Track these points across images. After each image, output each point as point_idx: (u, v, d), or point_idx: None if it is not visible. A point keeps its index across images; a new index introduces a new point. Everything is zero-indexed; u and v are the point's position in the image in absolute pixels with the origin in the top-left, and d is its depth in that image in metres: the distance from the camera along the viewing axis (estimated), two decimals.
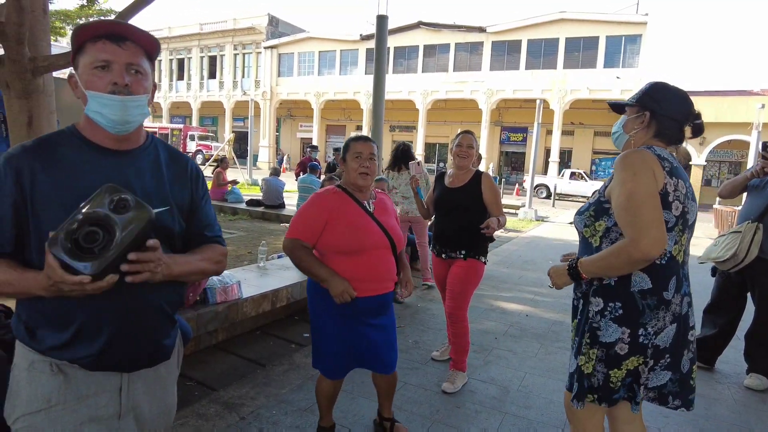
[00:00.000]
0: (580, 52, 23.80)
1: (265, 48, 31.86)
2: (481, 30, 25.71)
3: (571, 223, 1.93)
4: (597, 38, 23.33)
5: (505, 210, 3.23)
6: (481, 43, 26.00)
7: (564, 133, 24.78)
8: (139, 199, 1.07)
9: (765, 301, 3.35)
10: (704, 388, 3.28)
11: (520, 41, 24.98)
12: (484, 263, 3.16)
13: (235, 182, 11.06)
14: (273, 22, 32.36)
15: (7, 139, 4.36)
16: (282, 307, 3.96)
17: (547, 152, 25.64)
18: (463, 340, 3.20)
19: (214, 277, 3.27)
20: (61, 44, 12.79)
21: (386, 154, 6.64)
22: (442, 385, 3.11)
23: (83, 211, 1.02)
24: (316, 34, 30.74)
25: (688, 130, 1.76)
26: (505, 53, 25.56)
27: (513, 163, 29.24)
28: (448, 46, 26.89)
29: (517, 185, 23.52)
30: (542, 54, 24.58)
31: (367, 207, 2.18)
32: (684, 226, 1.63)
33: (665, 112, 1.69)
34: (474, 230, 2.95)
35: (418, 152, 25.72)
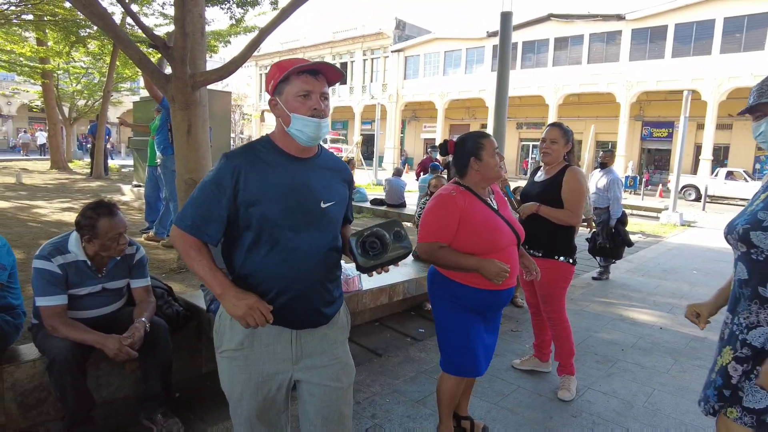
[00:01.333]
0: (743, 33, 20.74)
1: (392, 51, 32.82)
2: (620, 18, 23.68)
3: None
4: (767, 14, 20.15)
5: (644, 213, 3.01)
6: (619, 32, 23.96)
7: (719, 127, 21.83)
8: (407, 235, 1.61)
9: None
10: None
11: (666, 27, 22.53)
12: (569, 263, 2.95)
13: None
14: (400, 25, 33.20)
15: (172, 145, 5.10)
16: (399, 302, 4.12)
17: (698, 149, 22.81)
18: (566, 342, 3.05)
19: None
20: (213, 60, 14.45)
21: (511, 153, 6.50)
22: (558, 393, 3.01)
23: (375, 228, 1.58)
24: (441, 35, 30.89)
25: None
26: (648, 41, 23.25)
27: (656, 162, 26.48)
28: (581, 37, 25.23)
29: (660, 186, 21.31)
30: (693, 39, 21.90)
31: (492, 203, 2.17)
32: None
33: None
34: (553, 227, 2.86)
35: None
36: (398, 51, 32.59)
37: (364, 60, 35.29)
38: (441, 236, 2.09)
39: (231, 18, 8.84)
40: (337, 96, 37.19)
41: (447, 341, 2.22)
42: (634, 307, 5.00)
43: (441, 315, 2.23)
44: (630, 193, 19.94)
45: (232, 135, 26.37)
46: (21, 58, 14.86)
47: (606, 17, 24.49)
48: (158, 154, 5.53)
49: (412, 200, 11.21)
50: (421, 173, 12.04)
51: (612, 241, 5.60)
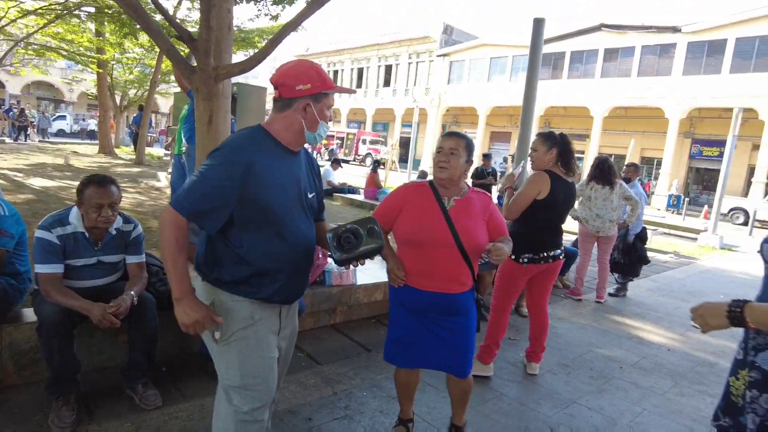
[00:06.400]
0: None
1: (437, 56, 32.77)
2: (675, 30, 22.73)
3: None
4: None
5: (682, 233, 2.88)
6: (673, 45, 23.06)
7: None
8: (380, 231, 1.74)
9: None
10: None
11: (725, 41, 21.50)
12: (513, 261, 3.19)
13: (344, 184, 11.65)
14: (447, 30, 33.10)
15: (194, 134, 5.29)
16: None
17: (751, 170, 21.66)
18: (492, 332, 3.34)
19: (333, 263, 3.56)
20: (237, 54, 14.65)
21: None
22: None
23: (350, 224, 1.71)
24: (487, 41, 30.59)
25: None
26: (704, 55, 22.25)
27: (705, 182, 25.28)
28: (632, 49, 24.42)
29: (706, 207, 20.34)
30: (755, 54, 20.82)
31: (445, 204, 2.16)
32: None
33: None
34: (511, 228, 3.07)
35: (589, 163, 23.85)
36: (444, 55, 32.50)
37: (409, 63, 35.38)
38: (380, 218, 2.13)
39: (266, 15, 9.08)
40: (380, 98, 37.43)
41: (388, 329, 2.34)
42: (645, 326, 4.83)
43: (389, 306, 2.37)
44: (672, 212, 19.15)
45: None
46: (81, 48, 15.73)
47: (661, 29, 23.54)
48: (183, 142, 5.75)
49: None
50: None
51: (628, 257, 5.42)
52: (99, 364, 2.79)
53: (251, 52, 13.18)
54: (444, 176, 2.14)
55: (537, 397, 3.09)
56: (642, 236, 5.60)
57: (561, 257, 3.28)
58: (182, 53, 6.36)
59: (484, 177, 9.44)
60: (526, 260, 3.17)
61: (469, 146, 2.17)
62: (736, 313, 1.35)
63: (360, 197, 10.75)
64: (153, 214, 6.73)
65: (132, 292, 2.51)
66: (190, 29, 8.03)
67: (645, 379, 3.53)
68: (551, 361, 3.64)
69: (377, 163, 11.44)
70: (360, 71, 39.70)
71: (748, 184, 21.64)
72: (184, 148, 5.81)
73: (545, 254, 3.19)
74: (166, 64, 16.11)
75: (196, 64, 4.55)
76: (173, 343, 3.03)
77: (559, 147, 3.15)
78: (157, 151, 20.17)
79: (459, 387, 2.33)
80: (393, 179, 16.89)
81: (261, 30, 12.70)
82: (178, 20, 12.97)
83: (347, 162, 30.15)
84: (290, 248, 1.67)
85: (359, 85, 39.65)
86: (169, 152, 15.29)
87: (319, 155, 33.93)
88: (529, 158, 3.15)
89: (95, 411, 2.45)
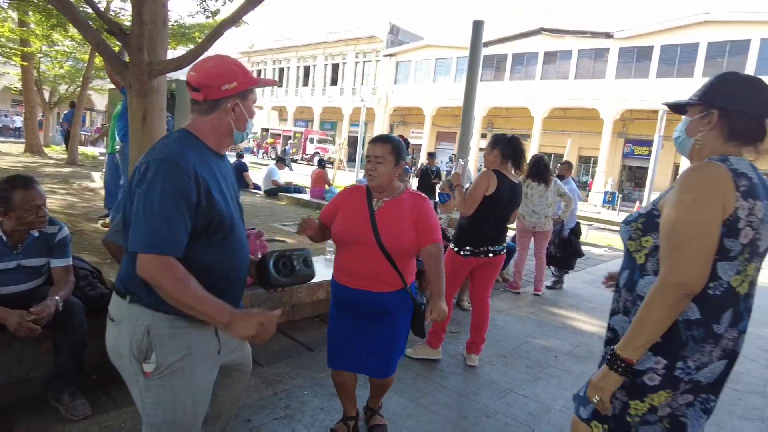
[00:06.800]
0: (725, 58, 21.20)
1: (384, 56, 32.94)
2: (608, 35, 23.99)
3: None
4: (748, 41, 20.62)
5: (617, 228, 3.06)
6: (607, 50, 24.34)
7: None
8: (312, 263, 1.81)
9: None
10: None
11: (652, 47, 22.95)
12: (452, 250, 3.44)
13: (289, 183, 11.59)
14: (393, 30, 33.37)
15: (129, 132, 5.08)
16: None
17: (676, 168, 23.22)
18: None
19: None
20: (177, 50, 14.23)
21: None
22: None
23: (288, 252, 1.76)
24: (433, 42, 31.10)
25: None
26: (634, 60, 23.65)
27: (637, 179, 26.87)
28: (570, 52, 25.58)
29: (637, 202, 21.61)
30: (677, 60, 22.34)
31: (373, 205, 2.19)
32: (752, 254, 1.38)
33: (738, 106, 1.42)
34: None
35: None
36: (390, 55, 32.73)
37: (356, 62, 35.39)
38: (323, 218, 2.30)
39: (205, 11, 8.81)
40: (327, 97, 37.22)
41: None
42: (580, 316, 5.08)
43: None
44: (608, 208, 20.21)
45: None
46: (1, 39, 14.66)
47: (595, 34, 24.70)
48: (117, 140, 5.50)
49: None
50: None
51: (563, 251, 5.69)
52: (21, 375, 2.63)
53: (192, 47, 12.75)
54: (374, 184, 2.19)
55: (475, 387, 3.20)
56: (576, 231, 5.89)
57: (502, 252, 3.42)
58: (115, 48, 6.09)
59: (429, 175, 9.62)
60: (467, 253, 3.34)
61: (396, 149, 2.16)
62: (616, 361, 1.41)
63: (306, 197, 10.65)
64: (86, 216, 6.38)
65: (57, 297, 2.39)
66: (126, 23, 7.67)
67: (578, 367, 3.71)
68: (490, 353, 3.77)
69: (322, 162, 11.36)
70: (306, 69, 39.31)
71: (674, 180, 23.12)
72: (117, 147, 5.56)
73: (485, 248, 3.35)
74: (100, 59, 15.31)
75: (128, 60, 4.37)
76: (104, 349, 2.90)
77: (501, 148, 3.38)
78: (91, 150, 19.12)
79: (377, 384, 2.43)
80: (341, 178, 16.85)
81: (201, 25, 12.30)
82: (112, 13, 12.36)
83: (295, 161, 29.76)
84: (235, 257, 1.57)
85: (306, 84, 39.26)
86: (97, 146, 14.60)
87: (266, 155, 33.32)
88: (468, 158, 3.31)
89: (15, 425, 2.31)
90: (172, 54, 7.18)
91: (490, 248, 3.37)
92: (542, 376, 3.48)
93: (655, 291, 1.36)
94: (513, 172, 3.45)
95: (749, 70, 20.48)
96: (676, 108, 1.62)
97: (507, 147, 3.38)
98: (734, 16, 21.03)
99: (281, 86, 41.08)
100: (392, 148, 2.15)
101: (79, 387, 2.49)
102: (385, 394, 2.55)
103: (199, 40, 13.47)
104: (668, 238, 1.37)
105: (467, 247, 3.35)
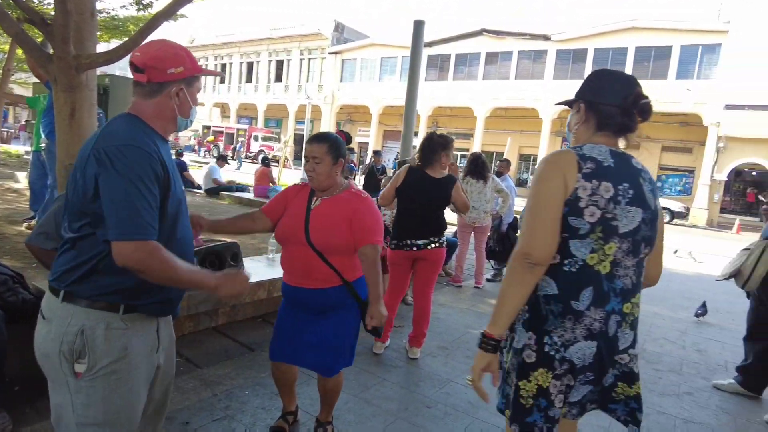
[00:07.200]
0: (651, 62, 22.67)
1: (329, 53, 32.75)
2: (546, 38, 25.07)
3: None
4: (670, 47, 22.14)
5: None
6: (545, 51, 25.38)
7: (631, 147, 23.52)
8: (242, 258, 1.82)
9: None
10: (739, 417, 3.20)
11: (586, 50, 24.15)
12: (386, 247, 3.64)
13: (231, 182, 11.45)
14: (339, 28, 33.23)
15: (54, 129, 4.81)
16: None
17: None
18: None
19: None
20: (111, 43, 13.60)
21: None
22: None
23: (216, 246, 1.81)
24: (378, 40, 31.24)
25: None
26: (570, 62, 24.79)
27: None
28: (510, 53, 26.46)
29: None
30: (609, 63, 23.59)
31: (311, 203, 2.20)
32: (607, 233, 1.44)
33: (601, 99, 1.54)
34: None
35: None
36: (336, 53, 32.59)
37: (301, 59, 34.98)
38: (267, 212, 2.30)
39: (138, 3, 8.43)
40: (272, 94, 36.58)
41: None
42: None
43: None
44: None
45: None
46: None
47: (534, 36, 25.82)
48: (43, 138, 5.19)
49: None
50: None
51: (502, 245, 5.91)
52: None
53: (124, 41, 12.15)
54: (314, 185, 2.19)
55: (417, 379, 3.27)
56: (514, 225, 6.12)
57: (430, 247, 3.51)
58: (38, 39, 5.74)
59: (374, 174, 9.69)
60: (393, 246, 3.55)
61: (333, 147, 2.13)
62: (486, 340, 1.48)
63: (249, 195, 10.45)
64: (8, 218, 5.98)
65: None
66: (52, 13, 7.22)
67: None
68: (431, 345, 3.86)
69: (267, 159, 11.18)
70: (250, 65, 38.44)
71: None
72: (43, 145, 5.25)
73: (407, 242, 3.50)
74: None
75: (52, 52, 4.14)
76: (27, 358, 2.74)
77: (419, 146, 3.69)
78: (15, 147, 17.86)
79: (324, 385, 2.39)
80: (286, 177, 16.64)
81: (137, 18, 11.75)
82: (35, 1, 11.58)
83: (244, 158, 29.06)
84: (181, 248, 1.49)
85: (249, 80, 38.39)
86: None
87: (208, 153, 32.32)
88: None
89: None
90: (105, 48, 6.83)
91: (413, 241, 3.48)
92: None
93: (508, 265, 1.49)
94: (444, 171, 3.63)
95: (671, 75, 22.03)
96: (569, 105, 1.73)
97: (422, 144, 3.68)
98: (658, 24, 22.50)
99: (223, 82, 39.99)
100: (329, 147, 2.13)
101: (0, 400, 2.35)
102: (334, 403, 2.49)
103: (132, 33, 12.91)
104: (525, 213, 1.50)
105: (394, 241, 3.56)
